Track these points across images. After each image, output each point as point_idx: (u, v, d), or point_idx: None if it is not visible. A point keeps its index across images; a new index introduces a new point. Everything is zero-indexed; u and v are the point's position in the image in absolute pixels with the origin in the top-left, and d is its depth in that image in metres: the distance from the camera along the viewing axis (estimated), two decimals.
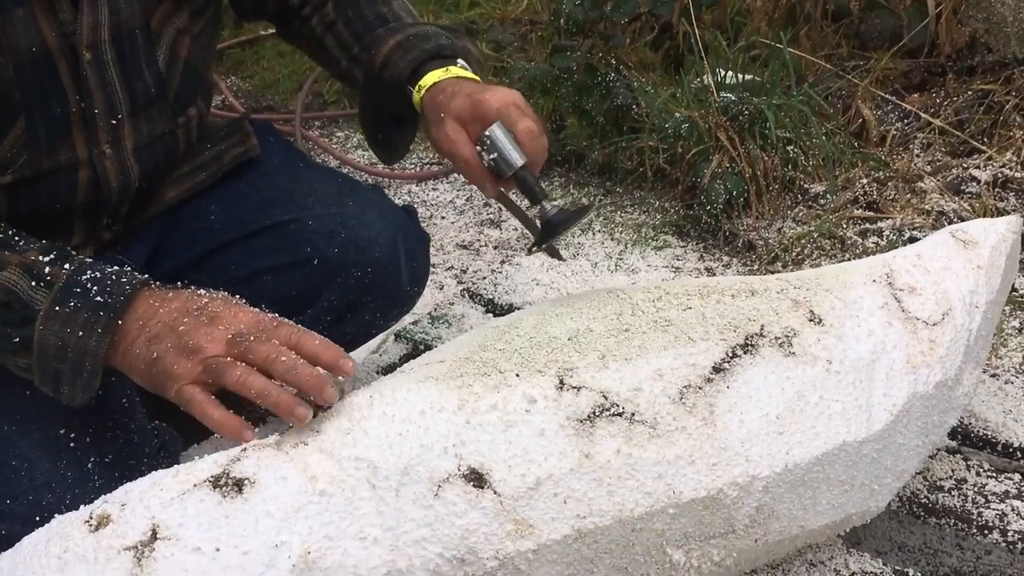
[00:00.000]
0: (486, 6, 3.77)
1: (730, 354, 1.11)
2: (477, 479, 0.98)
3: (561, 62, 2.60)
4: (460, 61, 1.31)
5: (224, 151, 1.39)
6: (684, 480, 1.03)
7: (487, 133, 1.18)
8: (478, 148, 1.19)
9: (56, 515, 0.96)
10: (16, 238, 1.06)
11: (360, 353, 1.86)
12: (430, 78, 1.27)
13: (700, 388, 1.07)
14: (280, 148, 1.49)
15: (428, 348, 1.86)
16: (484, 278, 2.18)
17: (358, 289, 1.36)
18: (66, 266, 1.03)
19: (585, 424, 1.02)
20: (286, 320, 1.04)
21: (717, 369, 1.09)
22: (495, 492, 0.97)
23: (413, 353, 1.87)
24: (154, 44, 1.22)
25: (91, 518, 0.93)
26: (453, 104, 1.21)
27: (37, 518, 1.00)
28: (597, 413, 1.03)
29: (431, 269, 2.19)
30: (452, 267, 2.27)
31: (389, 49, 1.33)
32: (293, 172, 1.44)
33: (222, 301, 1.04)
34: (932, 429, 1.24)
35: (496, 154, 1.18)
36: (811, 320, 1.17)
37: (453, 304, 2.05)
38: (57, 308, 1.01)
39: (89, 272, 1.03)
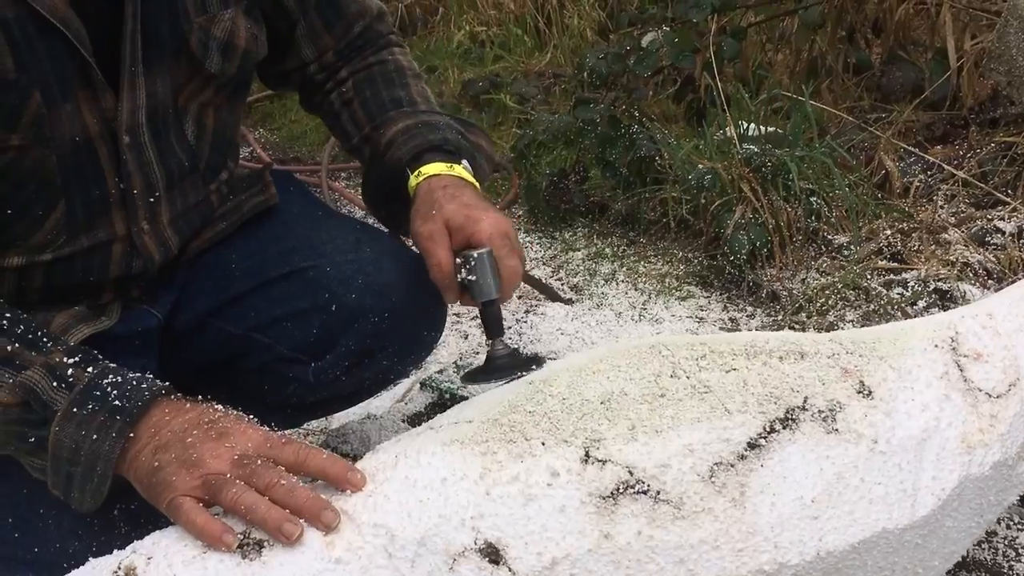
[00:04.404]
0: (510, 60, 3.83)
1: (768, 428, 1.04)
2: (493, 554, 0.95)
3: (585, 114, 2.63)
4: (464, 162, 1.34)
5: (244, 201, 1.41)
6: (706, 566, 0.98)
7: (475, 255, 1.21)
8: (457, 260, 1.22)
9: (82, 563, 0.97)
10: (44, 339, 1.06)
11: (386, 402, 1.87)
12: (433, 168, 1.30)
13: (732, 466, 1.02)
14: (299, 197, 1.51)
15: (453, 397, 1.87)
16: (509, 327, 2.18)
17: (375, 335, 1.37)
18: (89, 369, 1.03)
19: (608, 501, 0.98)
20: (295, 439, 1.02)
21: (752, 445, 1.03)
22: (510, 569, 0.94)
23: (438, 402, 1.87)
24: (181, 119, 1.25)
25: (119, 568, 0.93)
26: (448, 207, 1.25)
27: (64, 565, 1.00)
28: (621, 490, 0.99)
29: (457, 318, 2.21)
30: (477, 316, 2.27)
31: (395, 132, 1.36)
32: (312, 220, 1.46)
33: (235, 418, 1.03)
34: (988, 509, 1.16)
35: (475, 277, 1.21)
36: (859, 392, 1.10)
37: (478, 353, 2.06)
38: (75, 410, 1.00)
39: (111, 376, 1.03)
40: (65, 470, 1.00)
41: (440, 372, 1.97)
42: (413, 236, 1.27)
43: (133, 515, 1.12)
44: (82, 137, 1.13)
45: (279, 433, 1.02)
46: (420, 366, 1.86)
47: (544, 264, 2.53)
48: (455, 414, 1.13)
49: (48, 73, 1.08)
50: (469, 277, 1.21)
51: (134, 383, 1.02)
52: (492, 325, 1.24)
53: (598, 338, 2.11)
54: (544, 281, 2.40)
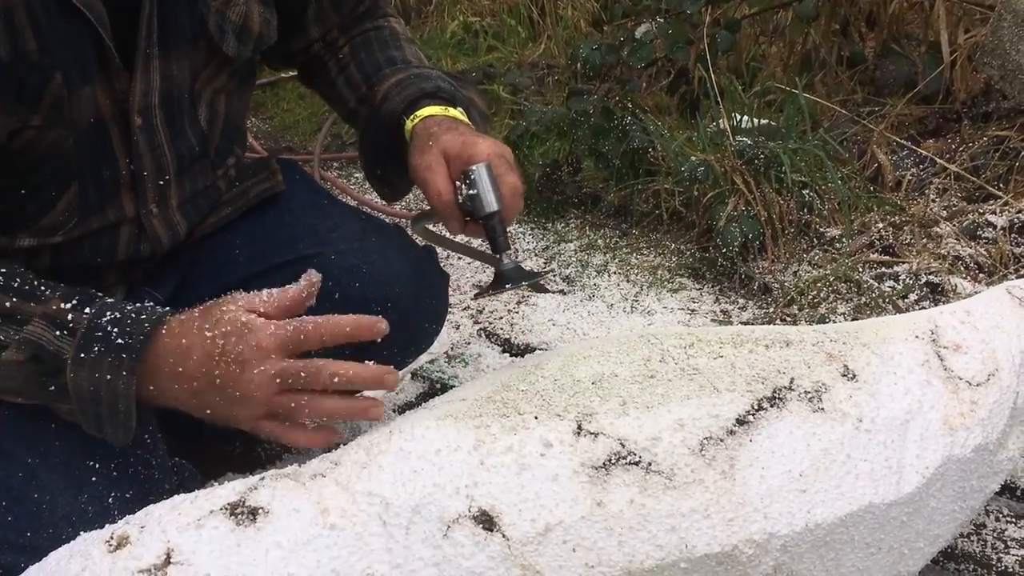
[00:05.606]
0: (504, 50, 3.82)
1: (756, 407, 1.08)
2: (487, 521, 0.97)
3: (578, 105, 2.63)
4: (459, 108, 1.33)
5: (250, 187, 1.42)
6: (698, 534, 1.01)
7: (473, 168, 1.19)
8: (457, 183, 1.20)
9: None
10: (41, 287, 1.08)
11: (377, 392, 1.87)
12: (427, 111, 1.30)
13: (721, 440, 1.05)
14: (305, 185, 1.52)
15: (444, 387, 1.87)
16: (500, 318, 2.18)
17: None
18: (87, 310, 1.06)
19: (600, 471, 1.01)
20: (296, 321, 1.07)
21: (741, 421, 1.07)
22: (504, 536, 0.96)
23: (429, 391, 1.87)
24: (196, 104, 1.26)
25: (112, 538, 0.94)
26: (445, 137, 1.24)
27: None
28: (613, 461, 1.01)
29: (449, 309, 2.21)
30: (468, 307, 2.28)
31: (389, 85, 1.37)
32: (317, 208, 1.46)
33: (234, 333, 1.05)
34: (971, 494, 1.19)
35: (476, 191, 1.19)
36: (844, 375, 1.14)
37: (469, 343, 2.06)
38: (82, 355, 1.03)
39: (109, 314, 1.06)
40: (92, 411, 1.06)
41: (431, 362, 1.97)
42: (412, 172, 1.26)
43: (128, 503, 1.13)
44: (96, 118, 1.14)
45: (282, 324, 1.06)
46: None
47: (536, 255, 2.53)
48: (448, 396, 1.16)
49: (69, 55, 1.09)
50: (469, 192, 1.19)
51: (132, 316, 1.06)
52: (496, 239, 1.21)
53: (590, 329, 2.12)
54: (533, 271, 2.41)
